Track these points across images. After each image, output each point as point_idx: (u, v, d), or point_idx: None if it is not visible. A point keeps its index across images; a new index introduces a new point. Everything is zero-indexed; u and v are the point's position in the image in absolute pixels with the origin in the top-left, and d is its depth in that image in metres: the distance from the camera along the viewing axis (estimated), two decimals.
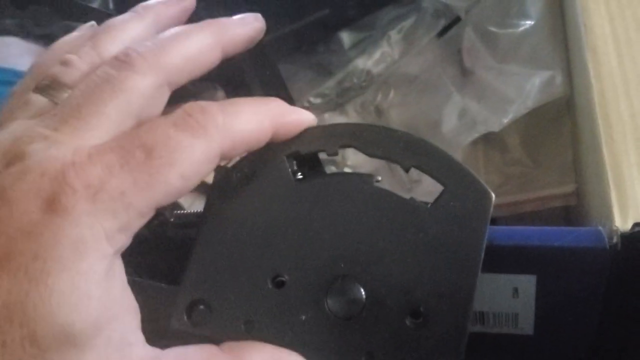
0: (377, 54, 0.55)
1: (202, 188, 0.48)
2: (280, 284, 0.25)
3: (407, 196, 0.26)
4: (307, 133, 0.27)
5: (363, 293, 0.25)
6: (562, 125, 0.43)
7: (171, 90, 0.26)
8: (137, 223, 0.23)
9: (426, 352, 0.24)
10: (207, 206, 0.27)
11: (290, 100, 0.29)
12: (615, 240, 0.28)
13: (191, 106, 0.24)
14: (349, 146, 0.27)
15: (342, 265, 0.25)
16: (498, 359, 0.37)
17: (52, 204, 0.21)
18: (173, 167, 0.22)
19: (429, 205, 0.25)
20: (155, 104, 0.25)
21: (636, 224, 0.28)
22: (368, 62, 0.55)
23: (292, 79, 0.53)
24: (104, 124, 0.23)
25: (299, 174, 0.27)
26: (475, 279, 0.24)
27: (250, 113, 0.25)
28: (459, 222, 0.25)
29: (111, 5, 0.51)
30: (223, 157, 0.25)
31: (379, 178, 0.26)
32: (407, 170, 0.26)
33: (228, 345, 0.24)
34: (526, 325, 0.33)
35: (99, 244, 0.21)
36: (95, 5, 0.45)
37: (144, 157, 0.22)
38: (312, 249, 0.25)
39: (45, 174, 0.21)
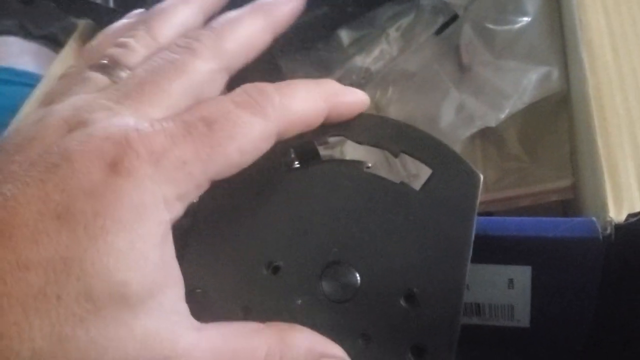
0: (375, 52, 0.55)
1: None
2: (275, 270, 0.26)
3: (397, 181, 0.26)
4: None
5: (357, 276, 0.25)
6: (559, 120, 0.43)
7: (229, 75, 0.27)
8: (194, 193, 0.24)
9: (421, 332, 0.24)
10: (201, 195, 0.27)
11: None
12: (609, 231, 0.28)
13: (250, 86, 0.25)
14: (338, 135, 0.28)
15: (336, 249, 0.25)
16: (495, 352, 0.37)
17: (116, 167, 0.21)
18: (233, 141, 0.23)
19: (418, 189, 0.26)
20: (215, 87, 0.26)
21: (630, 215, 0.28)
22: (367, 60, 0.55)
23: (291, 76, 0.53)
24: (166, 100, 0.24)
25: (296, 163, 0.27)
26: (467, 260, 0.25)
27: (306, 92, 0.26)
28: (448, 204, 0.25)
29: (111, 3, 0.52)
30: (280, 135, 0.26)
31: (370, 164, 0.27)
32: (396, 156, 0.27)
33: (274, 324, 0.25)
34: (522, 317, 0.33)
35: (158, 209, 0.22)
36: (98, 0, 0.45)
37: (206, 130, 0.23)
38: (305, 234, 0.26)
39: (110, 138, 0.22)
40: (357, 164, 0.27)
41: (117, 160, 0.21)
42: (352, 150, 0.49)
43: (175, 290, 0.23)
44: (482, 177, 0.26)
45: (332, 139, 0.31)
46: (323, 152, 0.29)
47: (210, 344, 0.23)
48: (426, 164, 0.26)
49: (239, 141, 0.23)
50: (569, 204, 0.41)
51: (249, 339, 0.23)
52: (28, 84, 0.60)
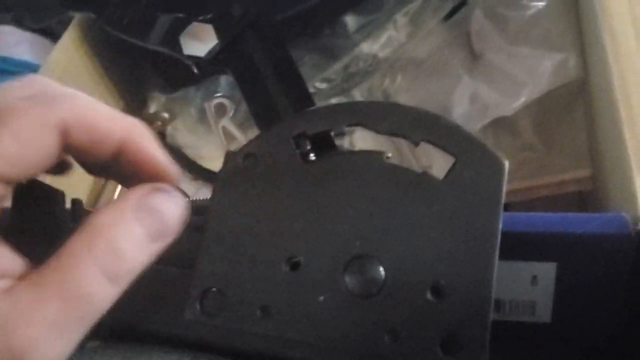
0: (383, 38, 0.54)
1: (205, 175, 0.47)
2: (295, 266, 0.24)
3: (419, 170, 0.25)
4: (312, 113, 0.27)
5: (381, 270, 0.24)
6: (574, 108, 0.42)
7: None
8: None
9: (451, 325, 0.23)
10: (215, 192, 0.26)
11: (302, 81, 0.28)
12: (639, 226, 0.27)
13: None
14: (357, 124, 0.26)
15: (358, 243, 0.24)
16: (513, 348, 0.36)
17: None
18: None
19: (442, 178, 0.25)
20: None
21: None
22: (374, 46, 0.54)
23: (297, 63, 0.52)
24: None
25: (312, 154, 0.26)
26: (495, 249, 0.24)
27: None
28: (474, 192, 0.24)
29: None
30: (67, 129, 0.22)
31: (390, 154, 0.25)
32: (416, 145, 0.25)
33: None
34: (544, 313, 0.33)
35: None
36: None
37: None
38: (326, 228, 0.25)
39: None
40: (377, 154, 0.25)
41: None
42: (362, 143, 0.48)
43: None
44: (507, 163, 0.25)
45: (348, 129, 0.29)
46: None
47: None
48: (449, 152, 0.25)
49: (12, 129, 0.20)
50: (586, 195, 0.40)
51: None
52: (25, 74, 0.59)
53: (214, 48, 0.28)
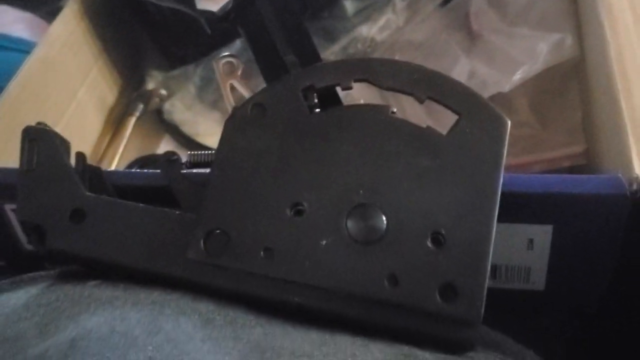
0: (381, 21, 0.54)
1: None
2: (299, 212, 0.25)
3: (423, 125, 0.26)
4: (321, 68, 0.27)
5: (383, 219, 0.25)
6: (569, 87, 0.43)
7: None
8: None
9: (450, 273, 0.24)
10: (222, 138, 0.26)
11: (311, 40, 0.29)
12: (635, 187, 0.28)
13: None
14: (363, 80, 0.27)
15: (362, 192, 0.25)
16: (506, 316, 0.37)
17: None
18: None
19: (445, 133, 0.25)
20: None
21: None
22: (372, 29, 0.54)
23: None
24: None
25: (317, 109, 0.27)
26: (495, 202, 0.24)
27: None
28: (476, 147, 0.25)
29: None
30: None
31: (394, 109, 0.26)
32: (422, 102, 0.26)
33: None
34: (538, 279, 0.33)
35: None
36: None
37: None
38: (330, 177, 0.25)
39: None
40: (383, 108, 0.26)
41: None
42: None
43: None
44: (509, 121, 0.26)
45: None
46: None
47: None
48: (453, 109, 0.26)
49: None
50: (579, 171, 0.41)
51: None
52: (23, 50, 0.59)
53: (226, 5, 0.28)
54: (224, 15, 0.29)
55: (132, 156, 0.52)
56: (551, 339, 0.36)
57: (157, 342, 0.21)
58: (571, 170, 0.41)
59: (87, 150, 0.51)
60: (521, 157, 0.42)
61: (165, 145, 0.57)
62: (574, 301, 0.34)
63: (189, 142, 0.55)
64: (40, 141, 0.27)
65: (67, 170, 0.26)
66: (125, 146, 0.52)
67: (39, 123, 0.27)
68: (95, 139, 0.52)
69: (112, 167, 0.50)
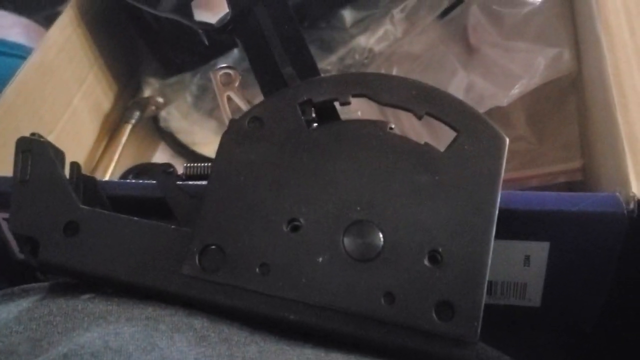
0: (379, 32, 0.54)
1: (198, 161, 0.47)
2: (296, 227, 0.25)
3: (421, 142, 0.26)
4: (319, 82, 0.27)
5: (380, 236, 0.24)
6: (566, 103, 0.43)
7: None
8: None
9: (447, 291, 0.23)
10: (219, 152, 0.26)
11: (309, 53, 0.29)
12: (632, 206, 0.28)
13: None
14: (362, 95, 0.27)
15: (359, 208, 0.25)
16: (502, 332, 0.37)
17: None
18: None
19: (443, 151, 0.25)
20: None
21: None
22: (370, 40, 0.54)
23: None
24: None
25: (315, 123, 0.27)
26: (493, 220, 0.24)
27: None
28: (474, 165, 0.25)
29: None
30: None
31: (393, 125, 0.26)
32: (420, 118, 0.26)
33: None
34: (534, 296, 0.33)
35: None
36: None
37: None
38: (327, 193, 0.25)
39: None
40: (381, 124, 0.26)
41: None
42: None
43: None
44: (507, 139, 0.26)
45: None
46: None
47: None
48: (451, 126, 0.26)
49: None
50: (575, 187, 0.41)
51: None
52: (19, 56, 0.59)
53: (224, 17, 0.28)
54: (222, 27, 0.28)
55: (128, 164, 0.52)
56: (547, 355, 0.36)
57: None
58: (568, 185, 0.41)
59: (82, 156, 0.50)
60: (517, 171, 0.42)
61: (161, 153, 0.56)
62: (570, 318, 0.34)
63: (184, 151, 0.54)
64: (34, 152, 0.26)
65: (61, 182, 0.26)
66: (121, 153, 0.52)
67: (32, 134, 0.27)
68: (90, 145, 0.52)
69: (107, 175, 0.50)
